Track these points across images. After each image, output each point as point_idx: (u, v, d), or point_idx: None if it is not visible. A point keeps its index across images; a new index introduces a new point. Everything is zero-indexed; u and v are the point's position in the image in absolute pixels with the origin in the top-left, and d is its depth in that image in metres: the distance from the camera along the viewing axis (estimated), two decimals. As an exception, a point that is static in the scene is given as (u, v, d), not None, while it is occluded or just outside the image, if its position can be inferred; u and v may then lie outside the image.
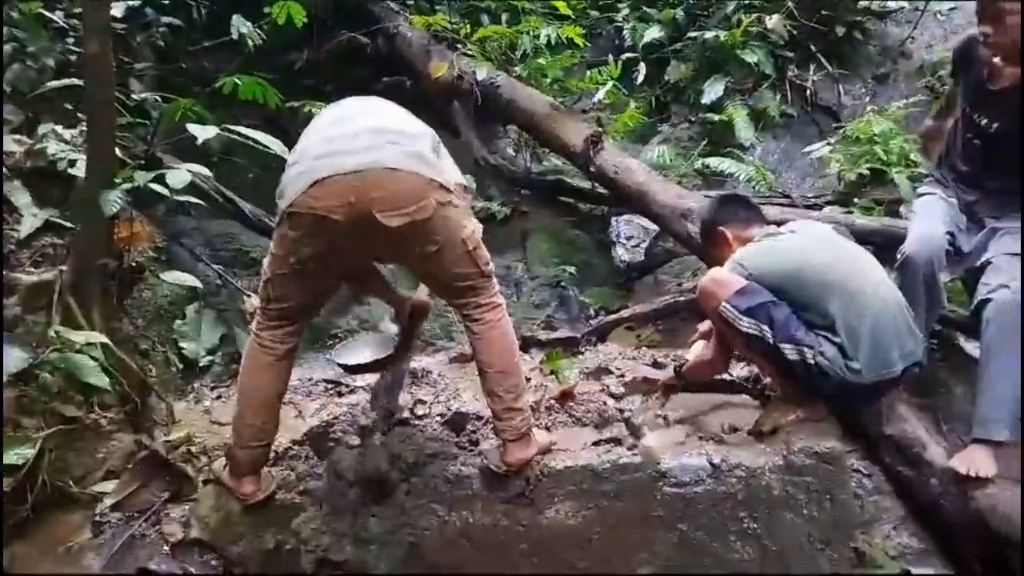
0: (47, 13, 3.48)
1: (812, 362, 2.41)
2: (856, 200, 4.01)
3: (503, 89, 4.64)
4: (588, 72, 5.04)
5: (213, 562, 2.41)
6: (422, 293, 2.98)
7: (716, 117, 4.98)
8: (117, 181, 2.73)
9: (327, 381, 3.34)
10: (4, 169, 2.97)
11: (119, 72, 3.10)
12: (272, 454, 2.55)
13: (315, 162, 2.13)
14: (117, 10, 3.68)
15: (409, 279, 3.28)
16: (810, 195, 4.35)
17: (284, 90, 3.61)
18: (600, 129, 4.27)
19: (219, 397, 3.26)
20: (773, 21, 5.02)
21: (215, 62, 4.66)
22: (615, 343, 3.71)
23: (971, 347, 2.96)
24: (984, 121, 2.69)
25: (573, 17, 5.31)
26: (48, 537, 2.46)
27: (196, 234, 3.94)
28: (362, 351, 3.62)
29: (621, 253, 4.49)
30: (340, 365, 3.54)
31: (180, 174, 2.79)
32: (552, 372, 3.12)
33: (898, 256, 2.71)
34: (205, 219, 4.00)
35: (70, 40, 3.52)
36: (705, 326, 2.92)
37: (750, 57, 5.00)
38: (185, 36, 4.58)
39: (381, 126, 2.21)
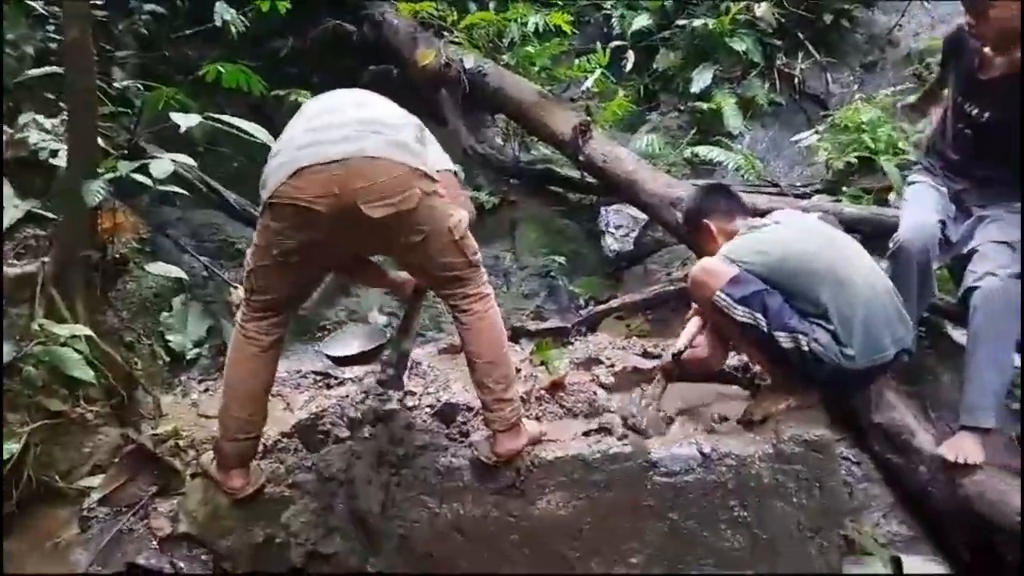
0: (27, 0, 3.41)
1: (806, 349, 2.43)
2: (844, 188, 4.01)
3: (491, 77, 4.60)
4: (576, 60, 5.01)
5: (202, 556, 2.40)
6: None
7: (705, 105, 4.97)
8: (100, 171, 2.69)
9: (316, 373, 3.32)
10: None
11: (101, 60, 3.05)
12: (261, 447, 2.53)
13: (298, 152, 2.11)
14: (98, -3, 3.61)
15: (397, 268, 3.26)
16: (798, 184, 4.35)
17: (269, 78, 3.56)
18: (589, 118, 4.25)
19: (207, 390, 3.23)
20: (761, 9, 5.02)
21: (198, 50, 4.60)
22: (605, 333, 3.71)
23: (958, 335, 2.98)
24: (975, 111, 2.70)
25: (561, 4, 5.29)
26: (35, 533, 2.44)
27: (181, 225, 3.89)
28: (351, 342, 3.62)
29: (610, 242, 4.49)
30: (329, 357, 3.54)
31: (163, 164, 2.75)
32: (542, 363, 3.11)
33: (891, 244, 2.72)
34: (190, 209, 3.95)
35: (50, 28, 3.45)
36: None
37: (738, 45, 4.99)
38: (168, 23, 4.51)
39: (365, 116, 2.19)
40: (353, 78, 4.96)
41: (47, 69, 3.15)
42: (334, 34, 5.18)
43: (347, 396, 2.95)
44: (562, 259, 4.34)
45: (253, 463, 2.47)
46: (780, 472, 2.45)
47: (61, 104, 3.16)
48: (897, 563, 2.39)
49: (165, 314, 3.35)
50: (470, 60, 4.62)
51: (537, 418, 2.74)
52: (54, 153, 2.96)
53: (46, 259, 2.76)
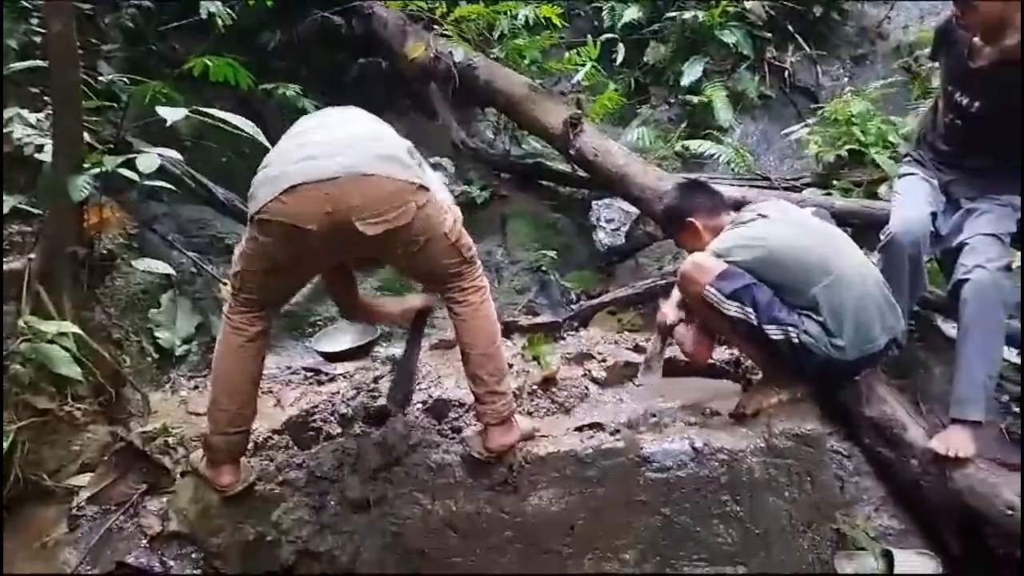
0: (10, -8, 3.36)
1: (796, 341, 2.44)
2: (835, 181, 4.01)
3: (481, 71, 4.57)
4: (567, 53, 4.99)
5: (193, 555, 2.37)
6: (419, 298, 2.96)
7: (695, 99, 4.98)
8: (85, 166, 2.66)
9: (306, 369, 3.30)
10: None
11: (86, 54, 3.01)
12: (251, 444, 2.51)
13: (289, 167, 2.09)
14: (84, -11, 3.57)
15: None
16: (789, 177, 4.36)
17: (257, 72, 3.52)
18: (579, 111, 4.23)
19: (196, 387, 3.20)
20: (751, 2, 5.01)
21: (185, 43, 4.54)
22: (597, 327, 3.71)
23: (948, 327, 2.99)
24: (965, 101, 2.69)
25: (551, -3, 5.26)
26: (23, 532, 2.41)
27: (168, 220, 3.85)
28: (341, 338, 3.61)
29: (602, 237, 4.49)
30: (319, 353, 3.53)
31: (150, 158, 2.72)
32: (534, 358, 3.10)
33: (882, 237, 2.72)
34: (177, 205, 3.90)
35: (34, 21, 3.41)
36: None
37: (729, 38, 4.99)
38: (154, 17, 4.46)
39: (357, 133, 2.19)
40: (342, 72, 4.94)
41: (31, 63, 3.10)
42: (322, 27, 5.13)
43: (338, 392, 2.94)
44: (553, 254, 4.33)
45: (243, 460, 2.45)
46: (772, 466, 2.46)
47: (46, 98, 3.11)
48: (888, 557, 2.39)
49: (153, 310, 3.32)
50: (460, 53, 4.59)
51: (529, 413, 2.73)
52: (39, 148, 2.92)
53: (32, 255, 2.72)
